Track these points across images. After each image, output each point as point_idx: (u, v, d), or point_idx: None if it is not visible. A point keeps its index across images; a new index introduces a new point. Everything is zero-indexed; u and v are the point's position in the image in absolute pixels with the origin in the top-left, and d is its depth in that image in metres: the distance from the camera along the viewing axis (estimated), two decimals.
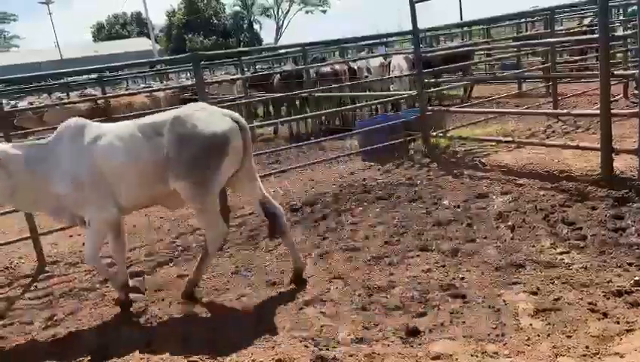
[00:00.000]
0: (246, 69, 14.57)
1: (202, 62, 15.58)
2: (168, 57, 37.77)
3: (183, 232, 5.38)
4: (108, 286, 4.18)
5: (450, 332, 2.96)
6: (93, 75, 13.28)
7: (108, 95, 10.40)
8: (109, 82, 19.27)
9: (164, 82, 18.20)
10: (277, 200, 4.27)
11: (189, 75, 18.76)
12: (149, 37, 48.85)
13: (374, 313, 3.26)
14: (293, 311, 3.43)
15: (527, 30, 15.90)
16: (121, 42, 57.00)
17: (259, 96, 11.32)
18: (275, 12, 58.28)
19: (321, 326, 3.18)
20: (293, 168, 7.14)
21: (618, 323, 2.81)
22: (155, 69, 19.38)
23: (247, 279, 4.06)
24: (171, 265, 4.62)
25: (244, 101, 9.96)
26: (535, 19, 14.93)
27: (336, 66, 10.17)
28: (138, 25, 62.32)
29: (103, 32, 63.27)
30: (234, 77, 13.84)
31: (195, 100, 4.87)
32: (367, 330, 3.09)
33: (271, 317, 3.40)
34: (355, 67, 10.66)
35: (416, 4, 6.84)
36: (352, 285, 3.68)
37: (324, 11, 57.79)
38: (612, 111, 5.09)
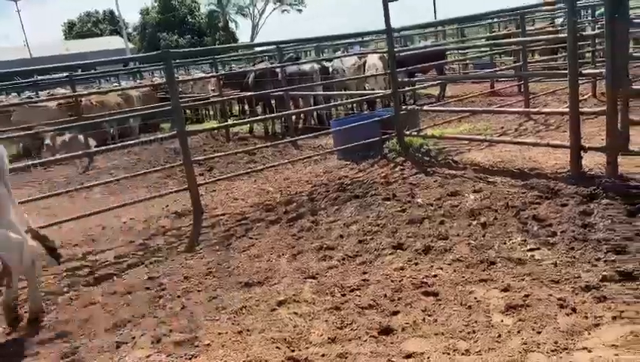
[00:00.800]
0: (221, 68, 14.43)
1: (176, 61, 15.45)
2: (140, 55, 37.26)
3: (154, 233, 5.29)
4: None
5: (422, 330, 2.96)
6: (64, 74, 12.97)
7: (78, 93, 10.14)
8: (81, 81, 18.87)
9: (138, 81, 17.88)
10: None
11: (162, 73, 18.50)
12: (122, 35, 48.08)
13: (348, 312, 3.25)
14: (266, 312, 3.39)
15: (499, 30, 16.13)
16: (93, 40, 55.96)
17: (233, 95, 11.22)
18: (251, 11, 58.04)
19: (294, 327, 3.15)
20: (268, 167, 7.09)
21: (586, 318, 2.85)
22: (127, 67, 19.05)
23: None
24: (141, 266, 4.53)
25: (218, 100, 9.86)
26: (507, 19, 15.17)
27: (306, 66, 10.11)
28: (111, 23, 61.27)
29: (75, 30, 61.95)
30: (206, 75, 13.69)
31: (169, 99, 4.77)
32: (340, 330, 3.07)
33: (243, 318, 3.36)
34: (329, 66, 10.64)
35: (390, 3, 6.86)
36: (325, 284, 3.66)
37: (299, 10, 57.77)
38: (581, 109, 5.18)
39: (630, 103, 4.79)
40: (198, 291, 3.89)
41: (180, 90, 13.62)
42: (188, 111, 14.92)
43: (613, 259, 3.43)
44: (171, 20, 52.33)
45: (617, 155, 4.80)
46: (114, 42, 53.18)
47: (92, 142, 10.84)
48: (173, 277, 4.21)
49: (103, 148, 8.41)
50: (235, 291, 3.78)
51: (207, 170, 8.04)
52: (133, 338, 3.31)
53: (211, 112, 14.73)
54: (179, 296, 3.83)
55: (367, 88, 11.27)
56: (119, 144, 7.92)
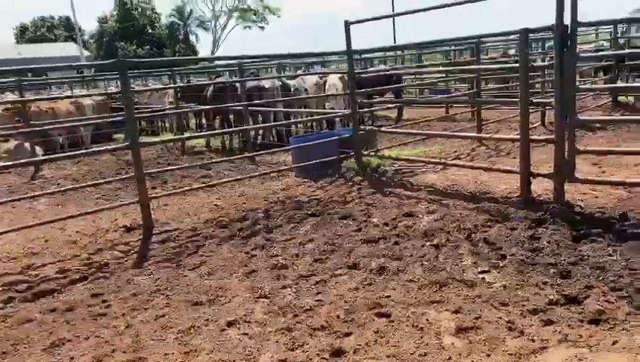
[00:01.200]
0: (179, 81, 14.21)
1: (134, 71, 15.13)
2: (94, 62, 36.29)
3: (100, 248, 5.07)
4: None
5: (374, 352, 2.93)
6: (13, 78, 12.45)
7: (26, 99, 9.72)
8: (32, 87, 18.16)
9: (92, 90, 17.37)
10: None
11: (118, 83, 18.06)
12: (77, 42, 46.77)
13: (299, 333, 3.18)
14: (215, 332, 3.28)
15: (455, 58, 16.70)
16: (47, 45, 54.08)
17: (190, 108, 11.04)
18: (213, 25, 57.72)
19: (244, 348, 3.06)
20: (223, 182, 6.98)
21: (533, 341, 2.90)
22: (82, 75, 18.49)
23: None
24: (85, 282, 4.31)
25: (174, 112, 9.67)
26: (463, 47, 15.73)
27: (267, 82, 10.10)
28: (66, 29, 59.47)
29: (27, 35, 59.76)
30: (163, 86, 13.44)
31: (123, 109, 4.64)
32: (291, 352, 3.00)
33: (191, 338, 3.24)
34: (290, 84, 10.66)
35: (352, 27, 6.98)
36: (278, 305, 3.58)
37: (262, 28, 57.89)
38: (530, 137, 5.38)
39: (576, 133, 5.01)
40: (145, 309, 3.73)
41: (136, 100, 13.33)
42: (143, 122, 14.58)
43: (559, 282, 3.54)
44: (130, 30, 51.38)
45: (564, 182, 5.00)
46: (69, 49, 51.53)
47: (39, 150, 10.39)
48: (118, 294, 4.02)
49: (51, 156, 8.06)
50: (184, 310, 3.65)
51: (160, 183, 7.83)
52: (72, 358, 3.12)
53: (167, 125, 14.46)
54: (124, 314, 3.66)
55: (327, 107, 11.36)
56: (68, 153, 7.62)
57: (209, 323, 3.39)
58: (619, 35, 12.54)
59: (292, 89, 10.58)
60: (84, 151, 6.48)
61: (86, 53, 49.37)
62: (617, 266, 3.65)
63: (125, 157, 9.77)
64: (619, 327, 2.96)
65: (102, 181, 6.97)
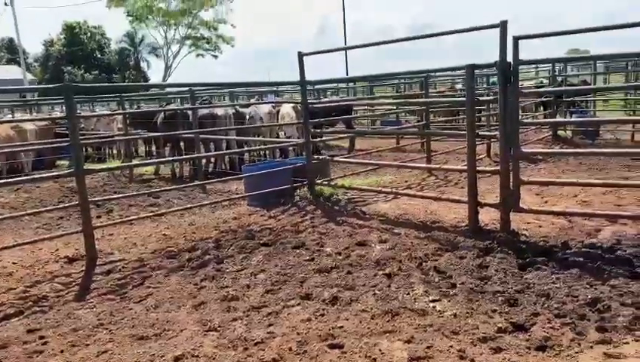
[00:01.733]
0: (128, 107, 13.91)
1: (81, 96, 14.68)
2: (39, 86, 35.07)
3: (39, 280, 4.78)
4: None
5: None
6: None
7: None
8: None
9: (35, 114, 16.70)
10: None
11: (64, 108, 17.48)
12: (20, 65, 45.08)
13: None
14: None
15: (405, 90, 17.23)
16: None
17: (139, 135, 10.80)
18: (165, 52, 57.15)
19: None
20: (172, 211, 6.80)
21: None
22: (25, 99, 17.77)
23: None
24: (21, 317, 4.04)
25: (121, 138, 9.42)
26: (413, 81, 16.26)
27: (220, 110, 10.05)
28: (9, 52, 57.32)
29: None
30: (111, 112, 13.10)
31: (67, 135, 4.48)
32: None
33: None
34: (245, 112, 10.65)
35: (305, 58, 7.09)
36: (228, 338, 3.47)
37: (215, 56, 57.84)
38: (477, 168, 5.56)
39: (521, 165, 5.22)
40: (86, 345, 3.52)
41: (82, 126, 12.91)
42: (90, 149, 14.11)
43: (507, 310, 3.61)
44: (78, 54, 50.12)
45: (510, 212, 5.17)
46: (12, 71, 49.61)
47: None
48: (57, 329, 3.79)
49: None
50: (128, 345, 3.47)
51: (105, 212, 7.55)
52: None
53: (115, 152, 14.06)
54: (62, 351, 3.44)
55: (283, 136, 11.40)
56: (7, 180, 7.23)
57: (155, 359, 3.23)
58: (557, 72, 13.33)
59: (248, 117, 10.55)
60: (24, 178, 6.18)
61: (30, 76, 47.63)
62: (561, 293, 3.78)
63: (68, 185, 9.38)
64: (564, 353, 3.04)
65: (43, 209, 6.65)
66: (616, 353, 2.99)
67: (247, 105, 11.60)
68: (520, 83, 5.58)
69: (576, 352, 3.04)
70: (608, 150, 9.83)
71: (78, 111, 12.83)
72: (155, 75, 57.94)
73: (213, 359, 3.21)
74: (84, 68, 49.66)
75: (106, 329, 3.75)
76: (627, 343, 3.10)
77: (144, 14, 52.33)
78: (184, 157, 9.73)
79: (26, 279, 4.82)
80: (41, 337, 3.67)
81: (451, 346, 3.18)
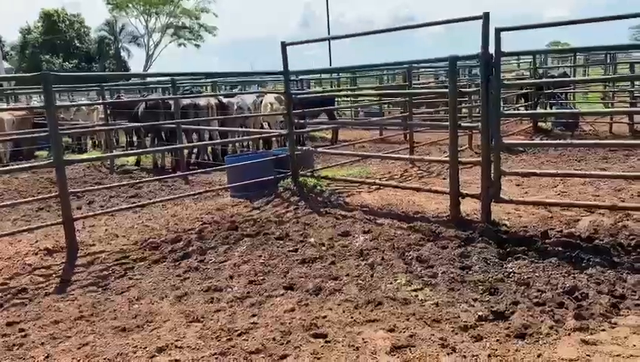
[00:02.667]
0: (109, 97, 13.68)
1: (60, 86, 14.39)
2: (16, 75, 34.32)
3: (18, 272, 4.71)
4: None
5: None
6: None
7: None
8: None
9: (12, 104, 16.33)
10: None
11: (42, 97, 17.12)
12: None
13: (234, 358, 3.09)
14: (144, 360, 3.11)
15: (388, 82, 17.26)
16: None
17: (120, 125, 10.65)
18: (146, 41, 56.23)
19: None
20: (155, 202, 6.73)
21: (465, 357, 2.98)
22: (1, 88, 17.37)
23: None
24: (0, 310, 3.98)
25: (101, 128, 9.28)
26: (396, 72, 16.30)
27: (202, 100, 9.95)
28: None
29: None
30: (91, 102, 12.89)
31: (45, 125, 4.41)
32: None
33: None
34: (226, 102, 10.56)
35: (288, 48, 7.05)
36: (211, 329, 3.47)
37: (197, 45, 57.07)
38: (459, 159, 5.61)
39: (502, 156, 5.29)
40: (67, 337, 3.49)
41: (62, 116, 12.68)
42: (69, 139, 13.88)
43: (487, 299, 3.67)
44: (56, 43, 49.05)
45: (491, 202, 5.24)
46: None
47: None
48: (38, 322, 3.74)
49: None
50: (110, 337, 3.44)
51: (85, 203, 7.45)
52: None
53: (95, 142, 13.85)
54: (43, 344, 3.40)
55: (264, 127, 11.35)
56: None
57: (138, 350, 3.22)
58: (538, 65, 13.48)
59: (236, 107, 10.46)
60: (2, 168, 6.05)
61: (6, 65, 46.55)
62: (540, 282, 3.85)
63: (47, 176, 9.23)
64: (542, 340, 3.10)
65: (21, 201, 6.54)
66: (592, 339, 3.07)
67: (232, 95, 11.50)
68: (502, 75, 5.63)
69: (555, 339, 3.10)
70: (587, 141, 10.03)
71: (57, 101, 12.58)
72: (136, 65, 56.94)
73: (197, 349, 3.21)
74: (63, 57, 48.64)
75: (88, 321, 3.72)
76: (604, 330, 3.18)
77: (124, 2, 51.37)
78: (166, 147, 9.63)
79: (5, 271, 4.74)
80: (21, 330, 3.62)
81: (433, 334, 3.22)
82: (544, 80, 12.66)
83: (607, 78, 13.18)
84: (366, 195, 6.82)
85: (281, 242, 5.21)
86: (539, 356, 2.93)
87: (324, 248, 4.94)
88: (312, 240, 5.20)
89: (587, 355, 2.91)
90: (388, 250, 4.72)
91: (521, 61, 16.49)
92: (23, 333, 3.58)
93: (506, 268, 4.17)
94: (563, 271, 4.01)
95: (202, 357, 3.11)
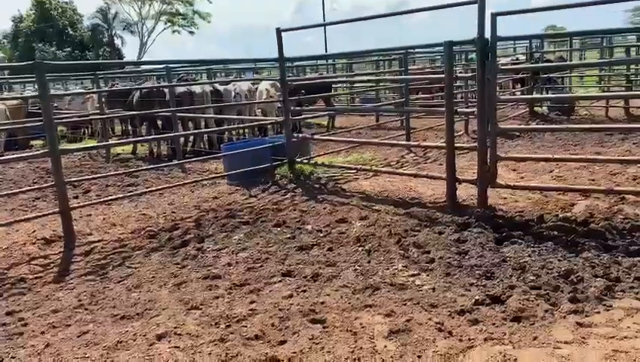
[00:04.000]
0: (103, 85, 13.59)
1: (54, 74, 14.28)
2: (10, 64, 34.02)
3: (17, 262, 4.72)
4: None
5: (309, 359, 2.92)
6: None
7: None
8: None
9: (5, 93, 16.20)
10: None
11: (36, 86, 16.98)
12: None
13: (233, 344, 3.12)
14: (144, 347, 3.14)
15: (385, 68, 17.17)
16: None
17: (115, 114, 10.59)
18: (139, 29, 55.71)
19: None
20: (151, 191, 6.73)
21: (461, 340, 3.01)
22: None
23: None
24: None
25: (97, 117, 9.23)
26: (392, 57, 16.21)
27: (197, 88, 9.89)
28: None
29: None
30: (87, 91, 12.80)
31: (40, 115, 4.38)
32: None
33: (118, 354, 3.08)
34: (221, 89, 10.50)
35: (284, 34, 7.00)
36: (210, 315, 3.49)
37: (191, 32, 56.62)
38: (455, 144, 5.62)
39: (498, 141, 5.29)
40: (67, 326, 3.51)
41: (56, 105, 12.59)
42: (64, 128, 13.80)
43: (484, 283, 3.71)
44: (49, 31, 48.52)
45: (487, 188, 5.26)
46: None
47: None
48: (37, 311, 3.76)
49: None
50: (110, 325, 3.47)
51: (82, 192, 7.43)
52: None
53: (90, 131, 13.77)
54: (43, 333, 3.43)
55: (257, 114, 11.30)
56: None
57: (137, 338, 3.24)
58: (534, 49, 13.43)
59: (234, 94, 10.39)
60: (0, 158, 6.03)
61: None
62: (536, 266, 3.88)
63: (43, 165, 9.20)
64: (538, 324, 3.14)
65: (18, 190, 6.53)
66: (587, 322, 3.11)
67: (227, 83, 11.43)
68: (497, 59, 5.61)
69: (550, 322, 3.14)
70: (583, 126, 10.04)
71: (51, 90, 12.48)
72: (130, 53, 56.59)
73: (196, 336, 3.23)
74: (56, 45, 48.15)
75: (87, 309, 3.74)
76: (598, 313, 3.22)
77: None
78: (162, 136, 9.59)
79: (3, 261, 4.75)
80: (21, 319, 3.64)
81: (430, 319, 3.26)
82: (540, 65, 12.62)
83: (603, 62, 13.15)
84: (363, 182, 6.83)
85: (279, 229, 5.23)
86: (535, 339, 2.97)
87: (321, 235, 4.96)
88: (309, 227, 5.22)
89: (582, 338, 2.94)
90: (385, 236, 4.74)
91: (517, 45, 16.44)
92: (22, 322, 3.60)
93: (502, 252, 4.20)
94: (559, 255, 4.04)
95: (202, 343, 3.14)
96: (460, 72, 11.64)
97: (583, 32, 11.40)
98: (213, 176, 7.55)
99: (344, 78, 14.90)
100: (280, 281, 4.01)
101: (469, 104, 10.11)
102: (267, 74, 19.02)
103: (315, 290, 3.80)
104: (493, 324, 3.16)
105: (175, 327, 3.35)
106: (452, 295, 3.56)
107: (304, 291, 3.80)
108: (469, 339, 3.01)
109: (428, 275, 3.92)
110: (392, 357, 2.89)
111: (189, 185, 7.18)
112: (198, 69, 17.05)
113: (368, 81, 13.88)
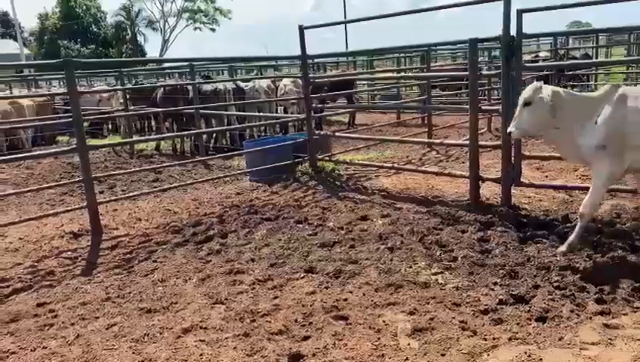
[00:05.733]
0: (127, 82, 13.80)
1: (80, 71, 14.54)
2: (38, 62, 34.71)
3: (46, 255, 4.84)
4: None
5: (332, 355, 2.95)
6: None
7: None
8: None
9: (33, 90, 16.53)
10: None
11: (62, 83, 17.31)
12: (16, 40, 44.49)
13: (257, 339, 3.16)
14: (171, 340, 3.20)
15: (406, 65, 17.07)
16: None
17: (139, 110, 10.74)
18: (162, 26, 56.34)
19: (200, 355, 3.01)
20: (175, 187, 6.83)
21: (485, 339, 3.01)
22: (22, 74, 17.60)
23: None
24: (30, 291, 4.11)
25: (123, 114, 9.39)
26: (413, 54, 16.11)
27: (220, 85, 9.97)
28: (4, 26, 56.53)
29: None
30: (115, 88, 13.01)
31: (69, 110, 4.48)
32: (250, 357, 2.98)
33: (145, 346, 3.15)
34: (244, 87, 10.57)
35: (306, 32, 7.02)
36: (235, 310, 3.54)
37: (213, 29, 57.03)
38: (479, 142, 5.57)
39: (522, 139, 5.23)
40: (96, 318, 3.60)
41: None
42: (86, 124, 14.02)
43: (508, 283, 3.68)
44: (74, 28, 49.37)
45: (511, 186, 5.21)
46: (7, 47, 48.99)
47: None
48: (66, 303, 3.86)
49: None
50: (137, 318, 3.55)
51: (107, 188, 7.58)
52: None
53: (113, 127, 13.98)
54: (73, 324, 3.52)
55: (278, 111, 11.35)
56: (8, 157, 7.25)
57: (164, 331, 3.31)
58: (558, 46, 13.21)
59: (254, 92, 10.46)
60: (28, 154, 6.19)
61: (26, 51, 47.09)
62: (560, 266, 3.84)
63: (69, 161, 9.39)
64: (563, 324, 3.11)
65: (46, 186, 6.68)
66: (614, 323, 3.07)
67: (247, 80, 11.51)
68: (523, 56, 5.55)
69: (576, 323, 3.11)
70: None
71: (78, 87, 12.70)
72: (152, 50, 57.21)
73: (221, 330, 3.28)
74: (81, 42, 49.02)
75: (114, 302, 3.82)
76: (625, 314, 3.18)
77: None
78: (185, 133, 9.71)
79: (33, 254, 4.89)
80: (51, 311, 3.74)
81: (454, 317, 3.25)
82: (566, 62, 12.40)
83: (630, 59, 12.86)
84: (384, 179, 6.83)
85: (301, 226, 5.26)
86: (560, 339, 2.95)
87: (343, 232, 4.98)
88: (330, 224, 5.24)
89: (609, 339, 2.91)
90: (407, 234, 4.73)
91: (541, 42, 16.18)
92: (52, 314, 3.70)
93: (526, 252, 4.16)
94: (584, 256, 3.99)
95: (226, 337, 3.19)
96: (485, 70, 11.51)
97: (610, 29, 11.15)
98: (236, 172, 7.62)
99: (366, 75, 14.86)
100: (303, 277, 4.04)
101: (493, 101, 9.99)
102: (287, 71, 19.07)
103: (338, 287, 3.82)
104: (518, 324, 3.15)
105: (200, 321, 3.40)
106: (475, 294, 3.55)
107: (327, 288, 3.83)
108: (493, 338, 3.00)
109: (451, 274, 3.91)
110: (415, 354, 2.90)
111: (212, 181, 7.26)
112: (220, 67, 17.18)
113: (390, 78, 13.81)
